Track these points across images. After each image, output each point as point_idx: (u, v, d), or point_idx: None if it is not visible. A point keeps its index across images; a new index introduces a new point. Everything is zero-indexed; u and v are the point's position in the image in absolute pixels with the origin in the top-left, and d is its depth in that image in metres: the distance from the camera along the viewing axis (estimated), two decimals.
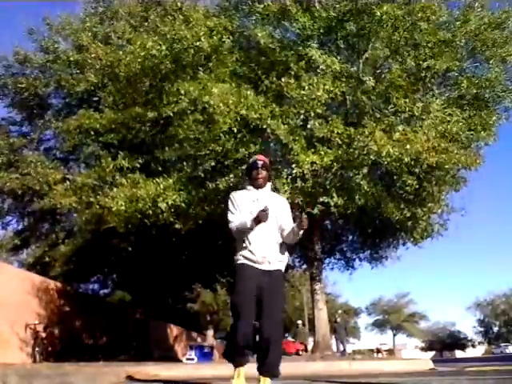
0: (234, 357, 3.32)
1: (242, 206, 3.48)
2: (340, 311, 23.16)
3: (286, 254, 3.53)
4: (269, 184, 3.64)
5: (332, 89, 9.25)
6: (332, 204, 9.60)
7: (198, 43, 9.66)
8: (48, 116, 14.88)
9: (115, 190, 10.07)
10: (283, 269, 3.48)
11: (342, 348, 17.76)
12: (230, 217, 3.47)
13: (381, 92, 9.70)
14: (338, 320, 18.54)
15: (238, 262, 3.41)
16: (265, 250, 3.36)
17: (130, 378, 6.17)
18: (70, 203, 11.23)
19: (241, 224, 3.36)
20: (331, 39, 10.51)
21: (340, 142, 9.28)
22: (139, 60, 10.15)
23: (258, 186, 3.55)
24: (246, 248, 3.39)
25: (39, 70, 14.43)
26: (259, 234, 3.37)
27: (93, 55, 11.57)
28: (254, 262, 3.35)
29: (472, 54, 10.85)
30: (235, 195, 3.59)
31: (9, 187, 13.08)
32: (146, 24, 12.45)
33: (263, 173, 3.55)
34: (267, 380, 3.29)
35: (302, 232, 3.35)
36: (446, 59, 9.96)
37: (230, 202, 3.56)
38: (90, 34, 12.98)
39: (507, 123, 11.21)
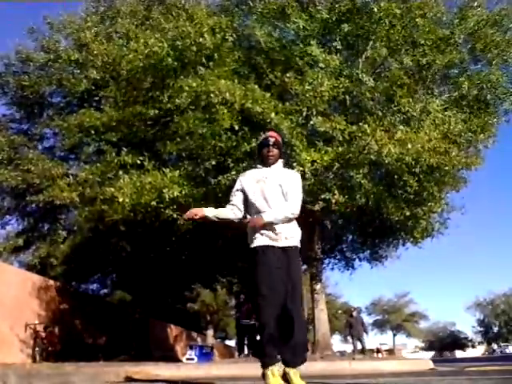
0: (265, 355, 3.11)
1: (248, 188, 3.42)
2: (340, 311, 22.77)
3: (299, 229, 3.44)
4: (280, 161, 3.52)
5: (336, 84, 9.21)
6: (333, 201, 9.55)
7: (201, 40, 9.59)
8: (48, 113, 14.86)
9: (122, 181, 9.98)
10: (299, 245, 3.38)
11: (359, 346, 16.31)
12: (230, 198, 3.52)
13: (385, 89, 9.66)
14: (354, 314, 17.12)
15: (257, 244, 3.27)
16: (279, 226, 3.27)
17: (129, 378, 6.14)
18: (72, 198, 11.13)
19: (225, 213, 3.46)
20: (330, 39, 10.50)
21: (341, 139, 9.23)
22: (141, 57, 10.11)
23: (268, 165, 3.44)
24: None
25: (40, 69, 14.40)
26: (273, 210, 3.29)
27: (95, 52, 11.50)
28: (271, 239, 3.26)
29: (472, 53, 10.84)
30: (241, 178, 3.52)
31: (9, 184, 13.04)
32: (148, 23, 12.42)
33: (274, 151, 3.43)
34: (297, 373, 3.07)
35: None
36: (445, 55, 9.96)
37: (236, 184, 3.53)
38: (91, 32, 12.92)
39: (507, 125, 11.24)
